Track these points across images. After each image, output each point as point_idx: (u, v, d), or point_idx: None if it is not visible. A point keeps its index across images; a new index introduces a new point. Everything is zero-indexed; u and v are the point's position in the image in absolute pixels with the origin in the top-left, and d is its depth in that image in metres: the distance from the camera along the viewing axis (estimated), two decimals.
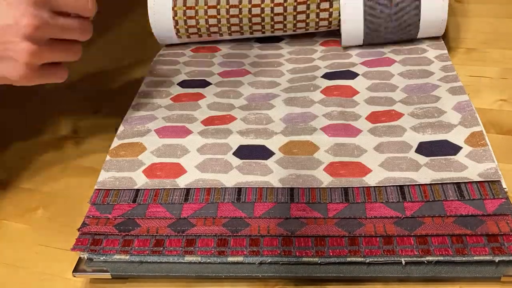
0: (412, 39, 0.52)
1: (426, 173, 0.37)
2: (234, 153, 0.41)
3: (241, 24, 0.53)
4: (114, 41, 0.65)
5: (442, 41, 0.52)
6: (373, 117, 0.43)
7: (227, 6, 0.52)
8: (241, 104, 0.47)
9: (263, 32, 0.54)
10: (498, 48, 0.52)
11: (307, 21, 0.52)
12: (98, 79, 0.58)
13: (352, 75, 0.48)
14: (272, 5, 0.51)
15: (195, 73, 0.53)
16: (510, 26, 0.55)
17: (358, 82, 0.47)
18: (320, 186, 0.37)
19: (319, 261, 0.33)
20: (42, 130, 0.52)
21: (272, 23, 0.53)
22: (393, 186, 0.36)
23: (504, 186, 0.35)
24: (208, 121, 0.45)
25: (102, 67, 0.60)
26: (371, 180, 0.37)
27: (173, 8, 0.54)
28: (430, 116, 0.42)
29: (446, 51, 0.50)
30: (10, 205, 0.44)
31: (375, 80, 0.47)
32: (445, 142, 0.39)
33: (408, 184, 0.36)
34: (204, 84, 0.51)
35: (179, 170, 0.40)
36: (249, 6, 0.52)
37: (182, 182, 0.39)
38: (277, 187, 0.38)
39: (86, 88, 0.57)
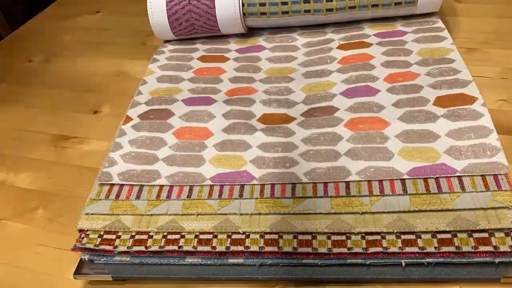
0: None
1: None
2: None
3: None
4: (113, 40, 0.65)
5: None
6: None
7: None
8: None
9: None
10: (498, 48, 0.52)
11: None
12: (98, 79, 0.58)
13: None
14: None
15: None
16: (510, 26, 0.55)
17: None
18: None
19: (319, 263, 0.33)
20: (42, 130, 0.52)
21: None
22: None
23: None
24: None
25: (102, 67, 0.60)
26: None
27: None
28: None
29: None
30: (10, 205, 0.44)
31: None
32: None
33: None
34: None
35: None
36: None
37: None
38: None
39: (86, 88, 0.57)
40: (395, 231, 0.33)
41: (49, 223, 0.42)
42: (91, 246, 0.36)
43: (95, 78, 0.58)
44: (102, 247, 0.35)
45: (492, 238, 0.32)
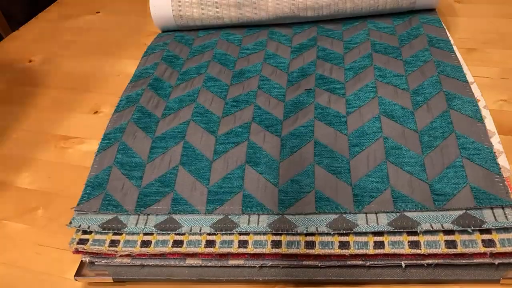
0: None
1: None
2: None
3: None
4: (113, 40, 0.65)
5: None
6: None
7: None
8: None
9: None
10: (498, 48, 0.52)
11: None
12: (98, 79, 0.58)
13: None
14: None
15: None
16: (510, 26, 0.55)
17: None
18: None
19: (319, 265, 0.33)
20: (42, 130, 0.52)
21: None
22: None
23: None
24: None
25: (102, 67, 0.60)
26: None
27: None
28: None
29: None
30: (10, 205, 0.44)
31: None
32: None
33: None
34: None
35: None
36: None
37: None
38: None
39: (86, 88, 0.57)
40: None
41: (49, 223, 0.42)
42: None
43: (95, 78, 0.58)
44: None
45: None
